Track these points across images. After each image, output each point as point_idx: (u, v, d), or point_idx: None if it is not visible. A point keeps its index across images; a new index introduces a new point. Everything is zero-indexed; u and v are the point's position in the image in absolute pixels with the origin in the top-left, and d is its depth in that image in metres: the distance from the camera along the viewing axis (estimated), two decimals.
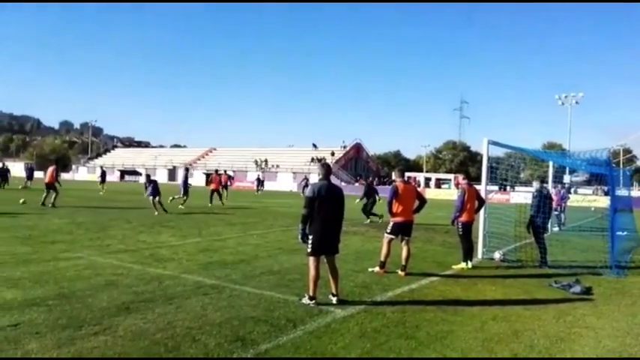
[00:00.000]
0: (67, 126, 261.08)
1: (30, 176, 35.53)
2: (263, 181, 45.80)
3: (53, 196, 18.44)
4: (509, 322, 5.66)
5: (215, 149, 78.53)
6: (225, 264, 8.38)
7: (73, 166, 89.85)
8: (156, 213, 16.71)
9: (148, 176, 18.67)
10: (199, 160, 74.43)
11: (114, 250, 9.52)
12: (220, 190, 23.21)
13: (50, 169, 19.40)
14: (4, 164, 36.31)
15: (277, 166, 61.89)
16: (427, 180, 56.76)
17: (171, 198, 20.31)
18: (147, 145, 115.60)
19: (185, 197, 20.38)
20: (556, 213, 17.74)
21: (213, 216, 17.36)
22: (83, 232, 11.75)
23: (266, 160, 63.37)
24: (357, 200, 17.32)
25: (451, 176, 57.25)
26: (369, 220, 16.68)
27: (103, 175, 33.97)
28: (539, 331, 5.39)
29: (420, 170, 74.12)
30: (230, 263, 8.47)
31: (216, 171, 24.91)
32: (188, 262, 8.50)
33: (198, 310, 5.61)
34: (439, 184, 55.66)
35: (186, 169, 27.31)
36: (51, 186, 18.60)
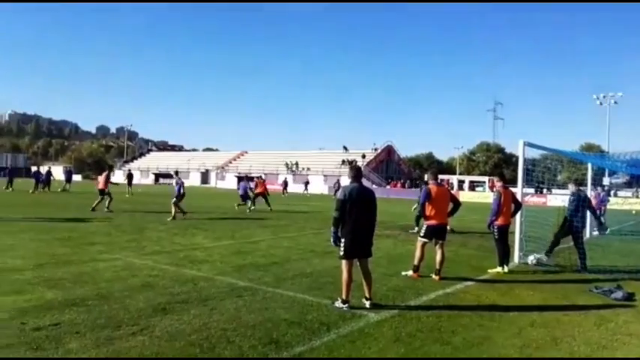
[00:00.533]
0: (103, 130, 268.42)
1: (69, 179, 36.66)
2: (287, 184, 46.14)
3: (107, 201, 18.48)
4: (547, 328, 5.50)
5: (246, 152, 79.30)
6: (258, 266, 8.44)
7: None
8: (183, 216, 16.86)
9: (176, 173, 19.01)
10: (231, 163, 75.26)
11: (150, 251, 9.70)
12: (266, 194, 22.55)
13: (103, 175, 19.15)
14: (38, 169, 37.44)
15: (308, 168, 62.00)
16: (460, 182, 55.82)
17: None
18: (180, 148, 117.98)
19: (246, 203, 21.23)
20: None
21: (245, 219, 17.51)
22: (120, 234, 12.02)
23: (297, 163, 63.56)
24: (415, 206, 14.40)
25: (485, 178, 56.11)
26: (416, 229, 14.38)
27: (130, 177, 35.07)
28: (580, 338, 5.22)
29: (453, 172, 73.05)
30: (263, 265, 8.52)
31: (260, 177, 25.03)
32: (222, 264, 8.59)
33: (232, 311, 5.65)
34: (473, 186, 54.66)
35: (248, 179, 27.48)
36: (104, 192, 18.57)
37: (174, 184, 17.50)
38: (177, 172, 19.21)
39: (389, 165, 65.74)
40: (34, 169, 42.11)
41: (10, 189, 32.68)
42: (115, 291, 6.41)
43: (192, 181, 71.45)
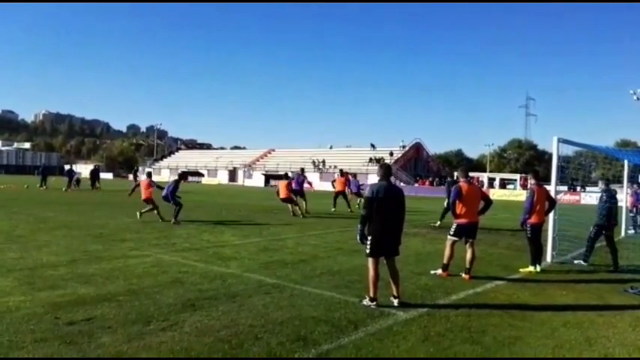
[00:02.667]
0: (134, 129, 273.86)
1: (96, 178, 37.13)
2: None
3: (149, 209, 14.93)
4: (581, 329, 5.35)
5: (274, 150, 79.72)
6: (286, 264, 8.46)
7: (140, 168, 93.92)
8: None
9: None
10: (258, 161, 75.79)
11: (179, 248, 9.83)
12: (347, 192, 21.26)
13: (144, 181, 15.64)
14: (71, 167, 38.39)
15: (335, 166, 61.93)
16: (491, 180, 54.88)
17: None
18: (208, 147, 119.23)
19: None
20: (632, 215, 16.72)
21: (273, 216, 17.58)
22: (150, 231, 12.22)
23: (324, 161, 63.57)
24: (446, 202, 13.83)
25: (517, 176, 55.07)
26: (438, 223, 15.42)
27: (149, 175, 35.47)
28: (615, 339, 5.06)
29: (484, 170, 71.83)
30: (290, 263, 8.54)
31: (341, 171, 22.87)
32: (250, 261, 8.64)
33: (260, 308, 5.67)
34: (504, 184, 53.64)
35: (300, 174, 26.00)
36: (149, 201, 14.92)
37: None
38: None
39: (417, 162, 65.13)
40: (67, 167, 43.25)
41: (44, 187, 33.63)
42: (145, 287, 6.52)
43: (221, 178, 72.26)
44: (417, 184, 48.80)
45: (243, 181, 69.67)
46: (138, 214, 14.57)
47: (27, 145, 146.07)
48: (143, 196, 15.03)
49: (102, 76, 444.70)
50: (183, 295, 6.17)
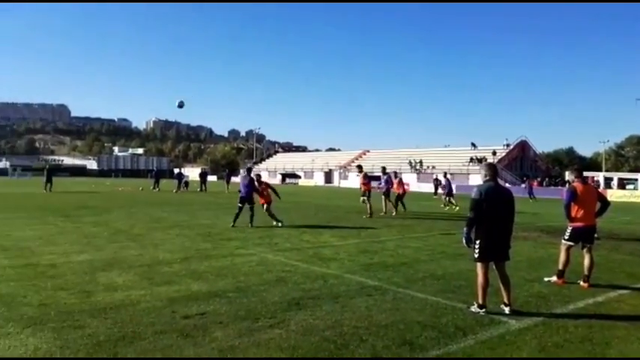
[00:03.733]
0: (234, 134, 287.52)
1: (204, 180, 39.46)
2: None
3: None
4: None
5: (368, 151, 79.59)
6: (387, 266, 8.35)
7: (240, 170, 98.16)
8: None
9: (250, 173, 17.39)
10: (353, 162, 76.03)
11: (281, 248, 10.09)
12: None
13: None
14: (180, 170, 41.07)
15: (433, 167, 60.41)
16: (608, 180, 50.49)
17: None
18: (304, 149, 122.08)
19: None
20: None
21: (371, 218, 17.50)
22: (253, 231, 12.68)
23: (421, 161, 62.28)
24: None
25: (637, 175, 50.22)
26: None
27: (229, 175, 39.56)
28: None
29: (599, 169, 66.29)
30: (391, 265, 8.41)
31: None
32: (350, 262, 8.65)
33: (363, 310, 5.64)
34: (623, 184, 49.12)
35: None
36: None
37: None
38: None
39: (523, 162, 61.57)
40: (176, 170, 46.34)
41: (157, 189, 36.27)
42: (252, 285, 6.75)
43: (317, 180, 73.48)
44: (523, 185, 45.91)
45: (339, 183, 70.27)
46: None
47: (140, 150, 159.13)
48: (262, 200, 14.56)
49: (205, 86, 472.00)
50: (287, 293, 6.30)
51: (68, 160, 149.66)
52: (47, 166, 38.70)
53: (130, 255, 8.92)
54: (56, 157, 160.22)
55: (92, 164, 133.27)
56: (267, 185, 15.04)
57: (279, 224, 13.88)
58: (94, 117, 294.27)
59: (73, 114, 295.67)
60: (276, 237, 11.66)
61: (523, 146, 61.87)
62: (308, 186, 65.16)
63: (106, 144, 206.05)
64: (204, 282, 6.87)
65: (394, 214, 18.60)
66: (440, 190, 25.72)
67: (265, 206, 14.41)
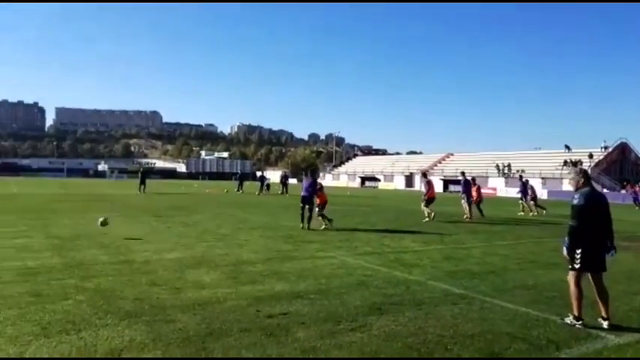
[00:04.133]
0: (314, 137, 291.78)
1: (285, 184, 40.15)
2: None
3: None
4: None
5: (452, 154, 77.52)
6: (473, 274, 8.03)
7: (320, 173, 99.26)
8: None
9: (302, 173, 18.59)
10: (436, 165, 74.40)
11: (361, 252, 10.03)
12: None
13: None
14: (262, 173, 42.21)
15: (522, 171, 57.56)
16: None
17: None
18: (384, 152, 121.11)
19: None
20: None
21: (454, 223, 17.01)
22: (334, 234, 12.74)
23: (509, 165, 59.60)
24: None
25: None
26: None
27: (284, 178, 38.83)
28: None
29: None
30: (477, 273, 8.08)
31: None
32: (433, 268, 8.42)
33: (448, 318, 5.45)
34: None
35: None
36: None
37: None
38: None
39: (623, 165, 57.02)
40: (258, 173, 47.81)
41: (241, 191, 37.56)
42: (333, 287, 6.75)
43: (397, 184, 72.64)
44: (623, 191, 42.37)
45: (420, 187, 68.95)
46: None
47: (225, 154, 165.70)
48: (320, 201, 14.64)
49: (286, 91, 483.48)
50: (368, 298, 6.24)
51: (160, 163, 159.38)
52: (141, 169, 41.42)
53: (217, 254, 9.27)
54: (149, 160, 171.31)
55: (181, 167, 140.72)
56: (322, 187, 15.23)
57: (329, 225, 14.03)
58: (183, 122, 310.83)
59: (164, 120, 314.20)
60: (356, 241, 11.62)
61: (623, 149, 57.29)
62: (388, 189, 64.56)
63: (194, 148, 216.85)
64: (286, 282, 6.98)
65: (466, 217, 18.41)
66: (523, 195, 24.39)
67: (320, 207, 14.43)
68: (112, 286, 6.59)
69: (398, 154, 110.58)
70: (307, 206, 13.98)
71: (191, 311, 5.45)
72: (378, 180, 77.14)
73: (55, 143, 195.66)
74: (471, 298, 6.41)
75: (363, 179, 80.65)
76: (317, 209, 14.26)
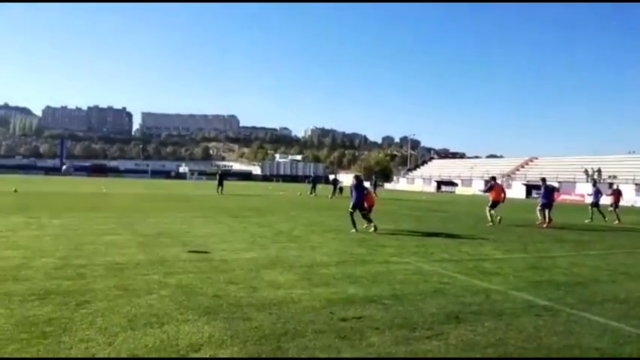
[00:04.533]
0: (388, 140, 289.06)
1: (335, 186, 40.05)
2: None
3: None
4: None
5: (536, 159, 74.02)
6: (558, 285, 7.56)
7: (394, 177, 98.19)
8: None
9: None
10: (518, 170, 71.33)
11: (438, 258, 9.77)
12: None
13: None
14: (335, 176, 42.46)
15: (614, 176, 53.78)
16: None
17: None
18: (462, 156, 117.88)
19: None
20: None
21: (538, 230, 16.18)
22: (409, 239, 12.51)
23: (599, 170, 55.93)
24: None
25: None
26: None
27: (335, 182, 38.82)
28: None
29: None
30: (563, 284, 7.60)
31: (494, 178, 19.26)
32: (515, 278, 8.02)
33: (530, 330, 5.16)
34: None
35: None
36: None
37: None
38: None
39: None
40: (331, 177, 48.12)
41: (314, 194, 37.95)
42: (407, 293, 6.61)
43: (475, 188, 70.37)
44: None
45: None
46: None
47: (298, 157, 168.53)
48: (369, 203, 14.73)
49: (359, 93, 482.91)
50: (445, 306, 6.05)
51: (236, 166, 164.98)
52: (219, 171, 43.17)
53: (291, 255, 9.39)
54: (226, 163, 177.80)
55: (257, 170, 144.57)
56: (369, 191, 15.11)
57: (371, 227, 13.84)
58: (259, 126, 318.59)
59: (241, 124, 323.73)
60: (432, 247, 11.34)
61: None
62: (466, 194, 62.67)
63: (269, 151, 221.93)
64: (359, 286, 6.92)
65: (538, 222, 18.00)
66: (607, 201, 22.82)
67: (366, 209, 14.40)
68: (193, 282, 6.85)
69: (477, 157, 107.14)
70: (360, 212, 14.18)
71: (266, 310, 5.55)
72: (456, 184, 75.11)
73: (140, 146, 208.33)
74: (556, 310, 6.04)
75: (439, 183, 78.84)
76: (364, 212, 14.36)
